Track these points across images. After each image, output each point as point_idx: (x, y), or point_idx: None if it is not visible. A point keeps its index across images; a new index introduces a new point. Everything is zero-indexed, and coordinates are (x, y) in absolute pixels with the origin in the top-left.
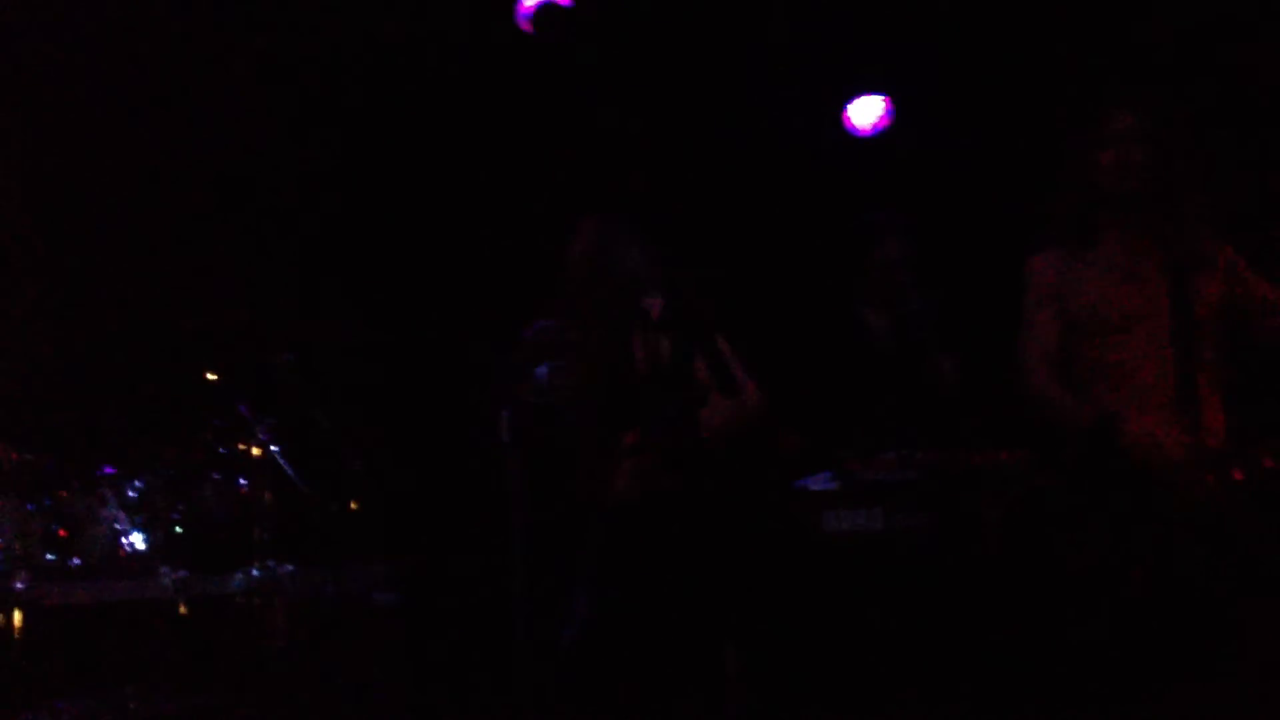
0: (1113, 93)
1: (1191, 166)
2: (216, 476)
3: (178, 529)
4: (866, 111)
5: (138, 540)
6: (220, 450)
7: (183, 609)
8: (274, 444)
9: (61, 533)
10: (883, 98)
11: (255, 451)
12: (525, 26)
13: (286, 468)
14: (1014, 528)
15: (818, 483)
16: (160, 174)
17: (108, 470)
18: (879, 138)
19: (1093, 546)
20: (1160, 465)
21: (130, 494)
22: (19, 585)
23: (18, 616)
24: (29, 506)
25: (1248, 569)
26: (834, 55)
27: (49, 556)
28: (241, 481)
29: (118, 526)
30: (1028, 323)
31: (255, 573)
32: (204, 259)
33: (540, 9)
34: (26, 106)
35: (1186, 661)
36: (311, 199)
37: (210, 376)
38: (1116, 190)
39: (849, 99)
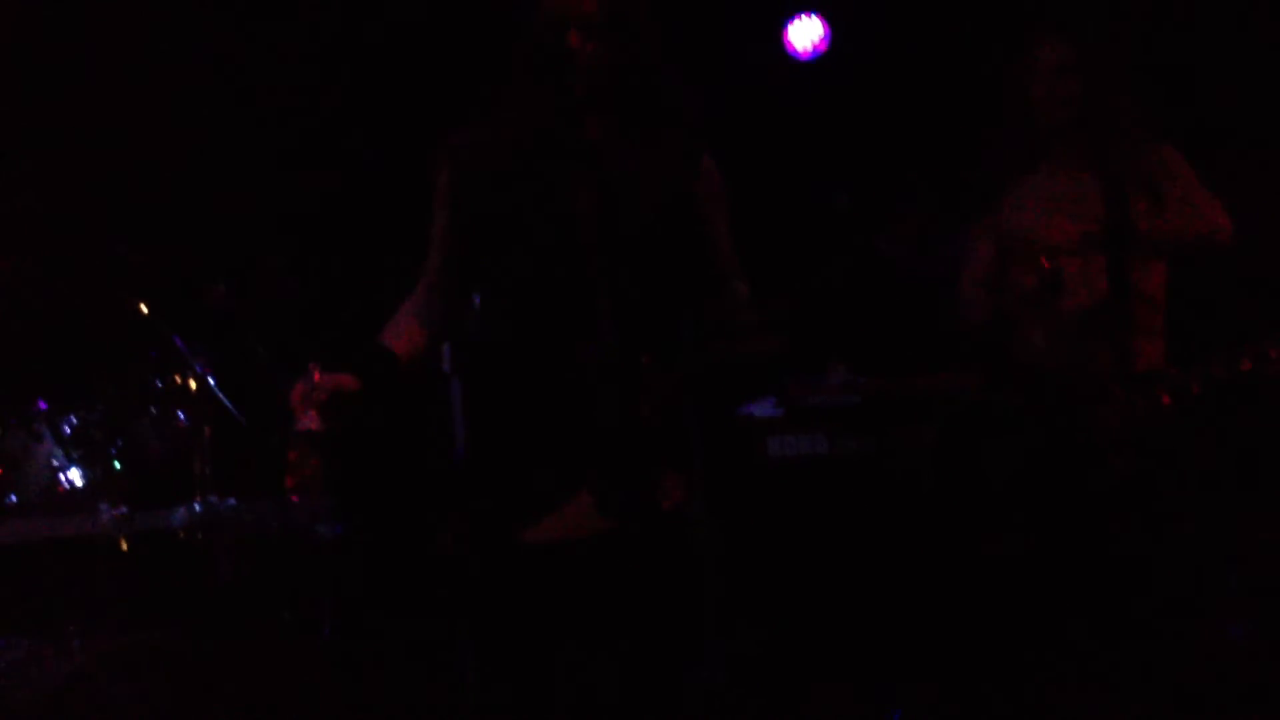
0: (1044, 25)
1: (1124, 92)
2: (154, 410)
3: (116, 464)
4: (805, 33)
5: (75, 476)
6: (157, 383)
7: (124, 546)
8: (211, 376)
9: None
10: (820, 19)
11: (192, 384)
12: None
13: (224, 400)
14: (946, 448)
15: (762, 409)
16: (88, 100)
17: (42, 406)
18: (817, 60)
19: (1014, 464)
20: (1086, 387)
21: (66, 430)
22: None
23: None
24: None
25: (1169, 493)
26: None
27: None
28: (180, 415)
29: (54, 463)
30: (966, 253)
31: (197, 508)
32: (135, 187)
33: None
34: None
35: (1103, 585)
36: (250, 124)
37: (143, 308)
38: (1050, 122)
39: (788, 20)
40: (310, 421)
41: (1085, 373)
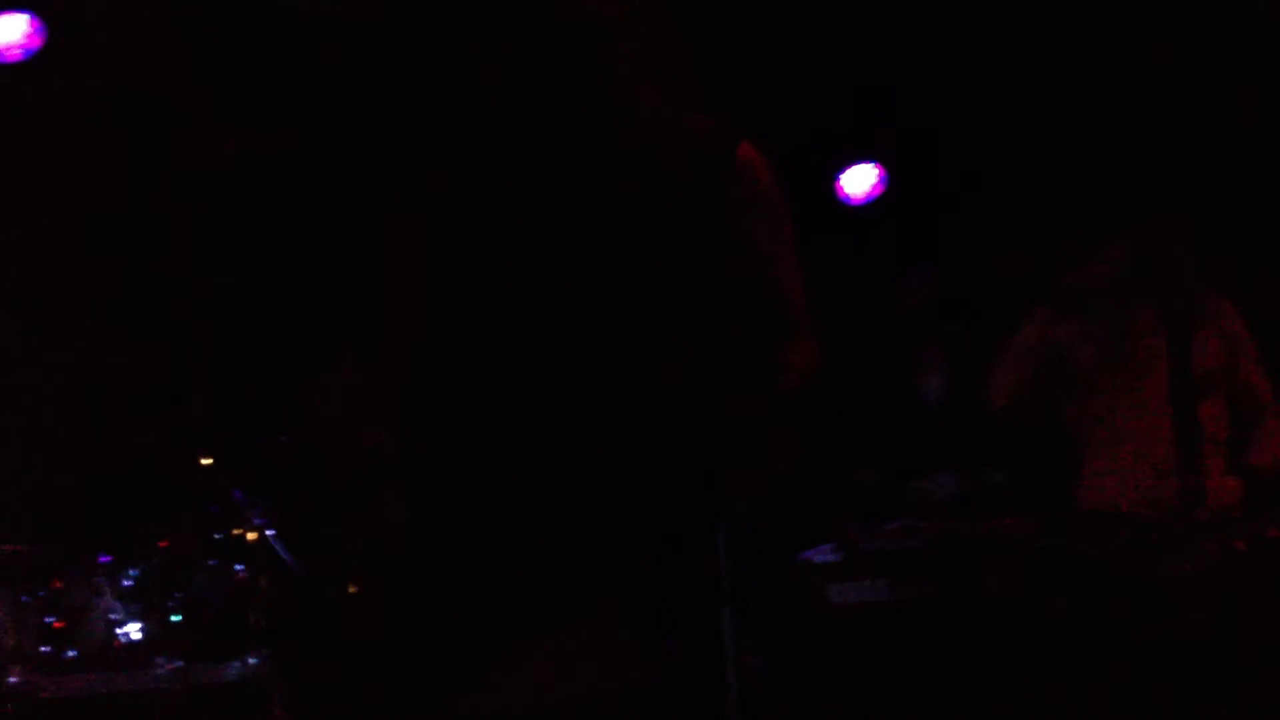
0: (1102, 214)
1: (1187, 257)
2: (212, 563)
3: (174, 618)
4: (859, 180)
5: (133, 630)
6: (216, 536)
7: (181, 699)
8: (269, 528)
9: (57, 624)
10: (875, 166)
11: (251, 536)
12: None
13: (282, 552)
14: (1013, 594)
15: (821, 554)
16: (152, 258)
17: (103, 559)
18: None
19: (1087, 612)
20: (1158, 532)
21: (126, 583)
22: (13, 679)
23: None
24: (23, 598)
25: (1246, 640)
26: (828, 124)
27: (44, 649)
28: (238, 567)
29: (113, 616)
30: (1011, 360)
31: (252, 660)
32: (196, 343)
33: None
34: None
35: None
36: (308, 284)
37: (204, 461)
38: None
39: (842, 168)
40: None
41: (1155, 517)
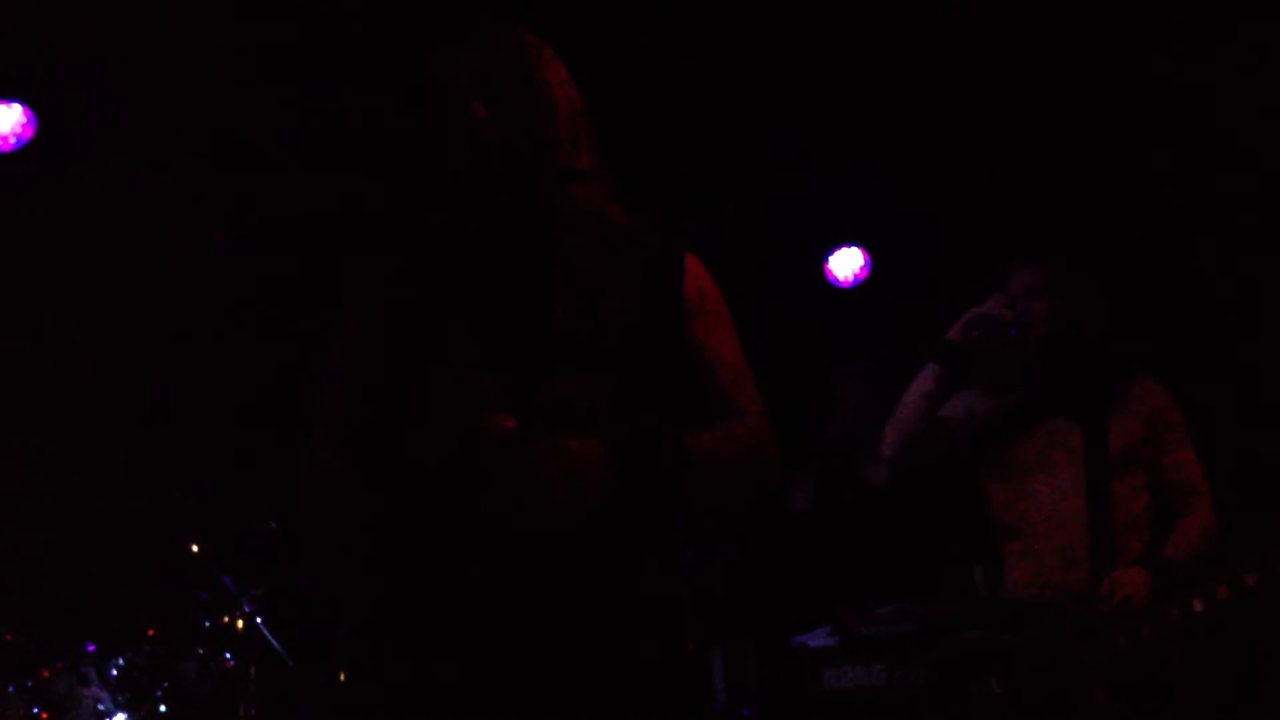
0: (1019, 250)
1: (1096, 313)
2: (201, 651)
3: (161, 707)
4: (846, 263)
5: None
6: (205, 624)
7: None
8: (258, 616)
9: (44, 716)
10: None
11: (239, 624)
12: None
13: (272, 641)
14: (938, 685)
15: (816, 639)
16: (140, 344)
17: (90, 648)
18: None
19: (1000, 703)
20: (1068, 622)
21: (113, 672)
22: None
23: None
24: (9, 689)
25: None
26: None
27: None
28: (227, 656)
29: (100, 707)
30: (902, 414)
31: None
32: (185, 430)
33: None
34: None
35: None
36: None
37: (193, 548)
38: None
39: (829, 251)
40: None
41: (1067, 604)
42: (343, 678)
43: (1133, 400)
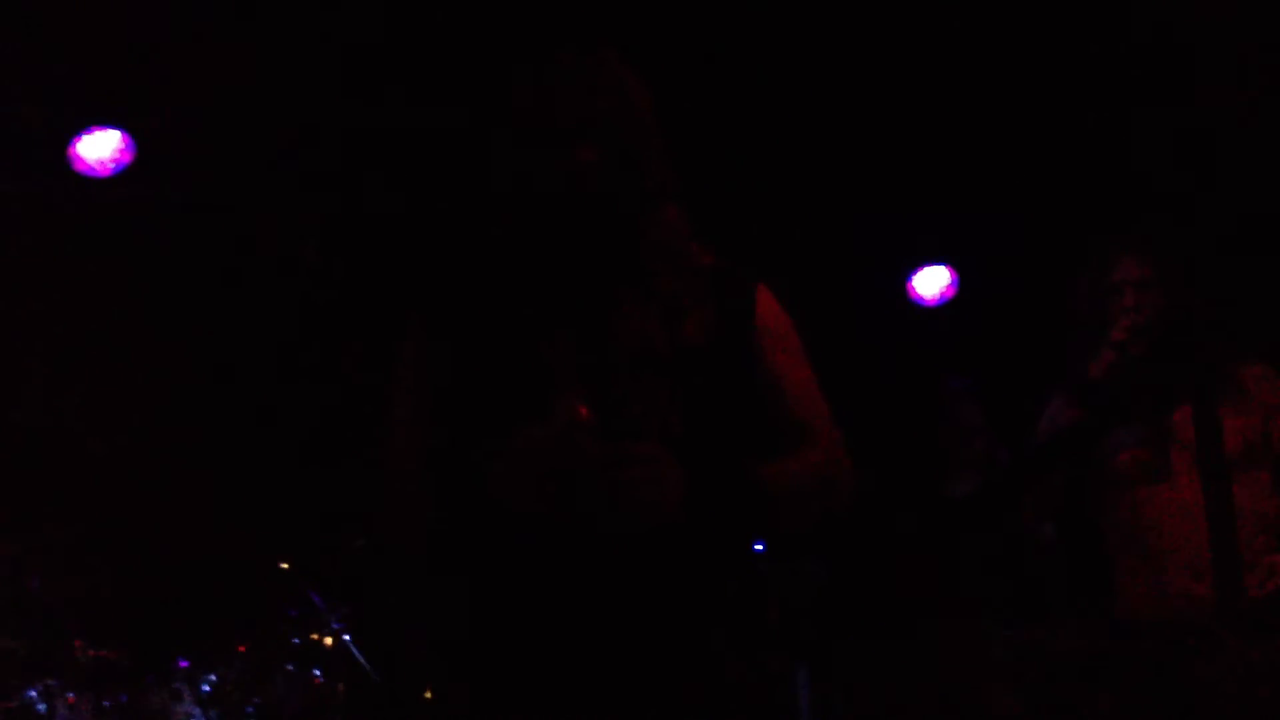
0: (1122, 240)
1: (1204, 302)
2: (290, 668)
3: None
4: (932, 281)
5: None
6: (294, 640)
7: None
8: (346, 633)
9: None
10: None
11: (328, 641)
12: None
13: (359, 657)
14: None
15: None
16: (235, 363)
17: (183, 664)
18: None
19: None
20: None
21: (205, 688)
22: None
23: None
24: (105, 704)
25: None
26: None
27: None
28: (315, 672)
29: None
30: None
31: None
32: (277, 448)
33: None
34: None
35: None
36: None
37: (283, 565)
38: (1134, 348)
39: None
40: None
41: (1192, 622)
42: (428, 694)
43: (1248, 391)
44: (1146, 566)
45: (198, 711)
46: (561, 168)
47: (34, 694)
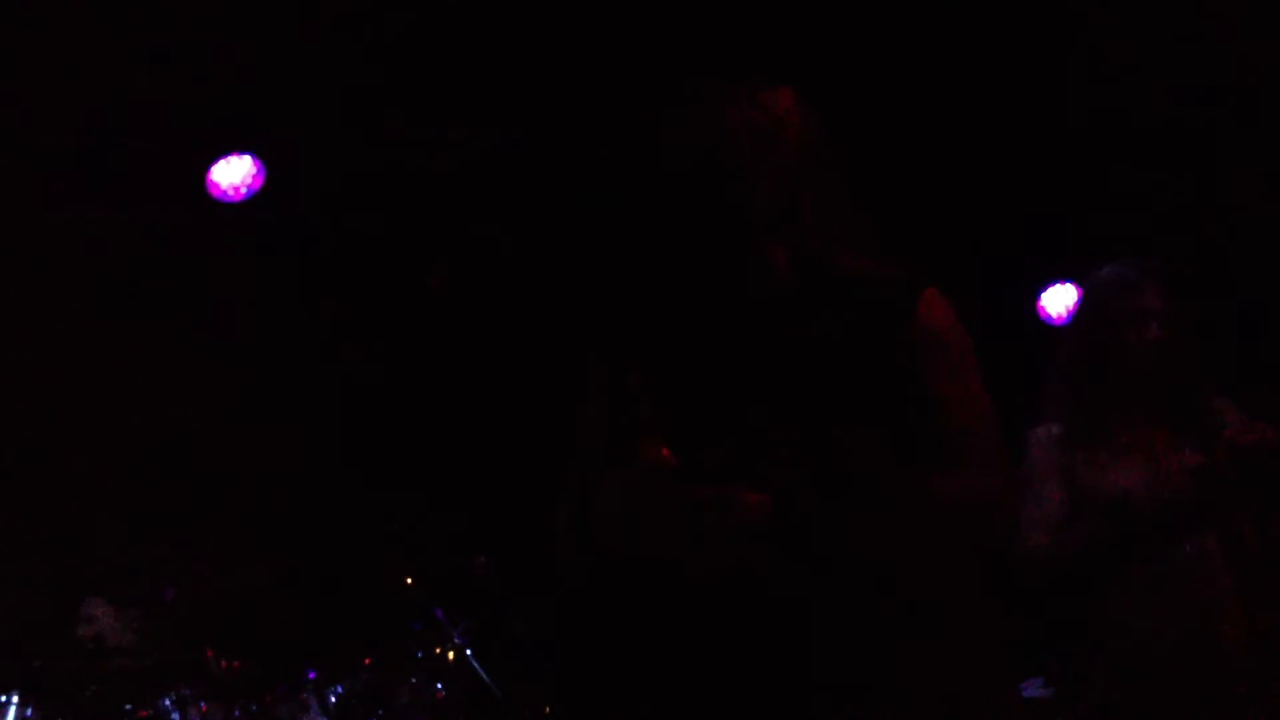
0: (1137, 269)
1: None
2: (414, 681)
3: None
4: (1058, 300)
5: None
6: (418, 654)
7: None
8: (469, 648)
9: None
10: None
11: (450, 656)
12: None
13: (481, 673)
14: None
15: (1030, 689)
16: (362, 383)
17: (311, 675)
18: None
19: None
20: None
21: (331, 699)
22: None
23: None
24: (236, 713)
25: None
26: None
27: None
28: (438, 686)
29: None
30: (1033, 496)
31: None
32: (399, 467)
33: None
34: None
35: None
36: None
37: (407, 580)
38: (1138, 371)
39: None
40: None
41: (1208, 667)
42: (548, 710)
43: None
44: (1165, 611)
45: None
46: (755, 252)
47: (168, 702)
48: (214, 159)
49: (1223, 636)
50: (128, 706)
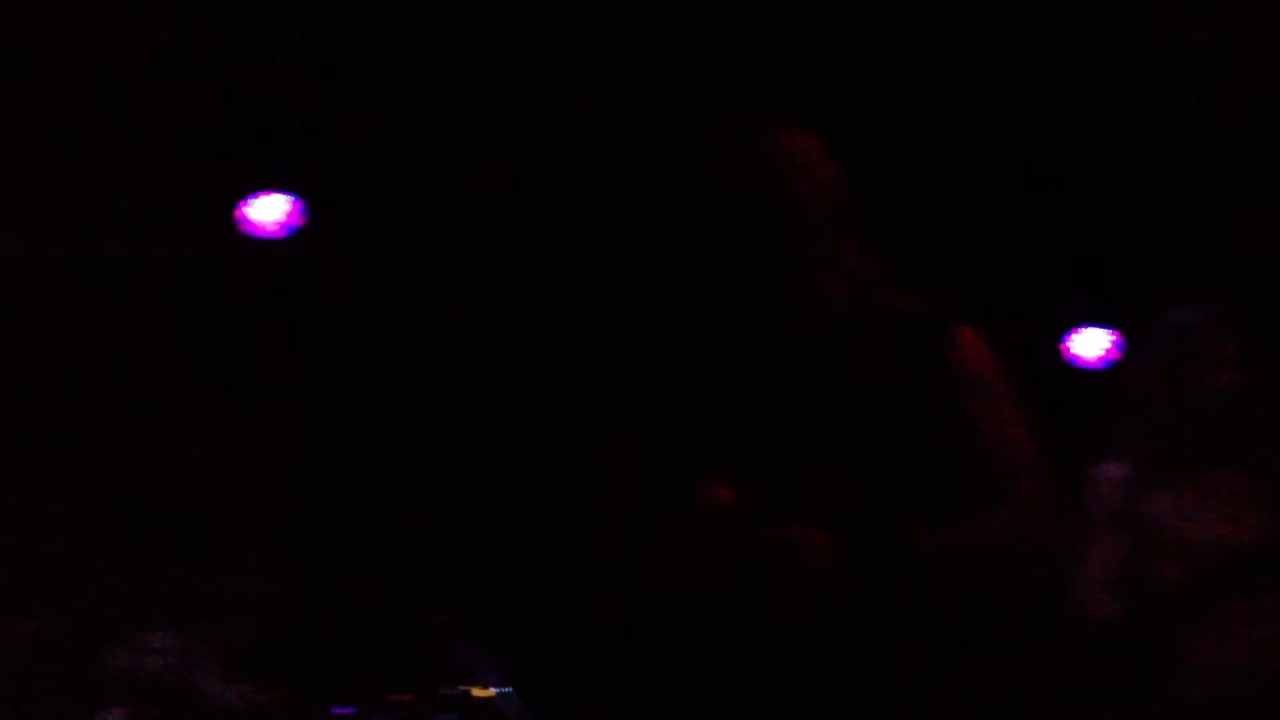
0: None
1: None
2: (446, 718)
3: None
4: (1092, 344)
5: None
6: (448, 691)
7: None
8: (500, 685)
9: None
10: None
11: (481, 693)
12: None
13: (512, 709)
14: None
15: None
16: (406, 421)
17: (336, 710)
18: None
19: None
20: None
21: None
22: None
23: None
24: None
25: None
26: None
27: None
28: None
29: None
30: (1092, 543)
31: None
32: (434, 504)
33: None
34: None
35: None
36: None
37: (439, 616)
38: (1210, 416)
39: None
40: None
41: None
42: None
43: None
44: (1222, 653)
45: None
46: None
47: None
48: (250, 196)
49: None
50: None
